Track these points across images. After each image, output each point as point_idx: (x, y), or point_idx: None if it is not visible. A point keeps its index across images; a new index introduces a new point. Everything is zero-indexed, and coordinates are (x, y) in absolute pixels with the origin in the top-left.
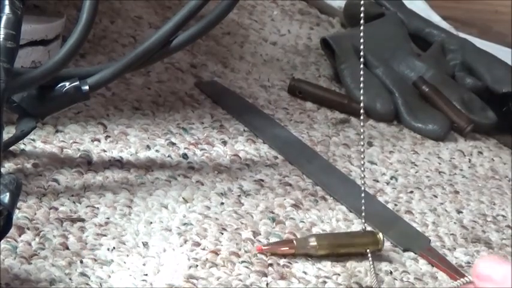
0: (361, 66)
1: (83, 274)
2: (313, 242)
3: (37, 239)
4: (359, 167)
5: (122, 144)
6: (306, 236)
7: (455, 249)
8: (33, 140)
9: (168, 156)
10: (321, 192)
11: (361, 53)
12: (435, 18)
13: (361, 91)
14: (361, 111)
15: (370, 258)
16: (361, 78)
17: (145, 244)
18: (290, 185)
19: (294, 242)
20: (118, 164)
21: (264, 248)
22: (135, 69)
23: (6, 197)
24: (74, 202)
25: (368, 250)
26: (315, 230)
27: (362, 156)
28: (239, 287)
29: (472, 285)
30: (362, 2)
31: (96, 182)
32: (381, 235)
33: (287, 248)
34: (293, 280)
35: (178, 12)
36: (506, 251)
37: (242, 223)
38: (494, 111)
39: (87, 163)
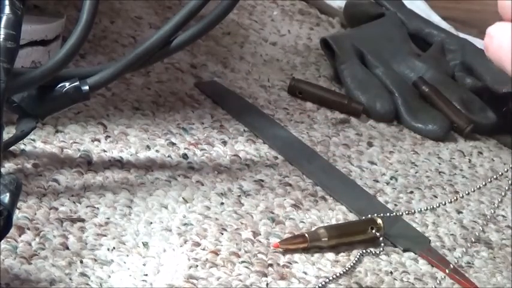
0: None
1: (83, 274)
2: (323, 233)
3: (37, 239)
4: (359, 167)
5: (122, 144)
6: (314, 229)
7: (455, 249)
8: (33, 140)
9: (168, 156)
10: (321, 192)
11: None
12: (435, 18)
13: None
14: None
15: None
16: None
17: (145, 244)
18: (290, 185)
19: (306, 235)
20: (118, 164)
21: (280, 244)
22: (135, 70)
23: (6, 197)
24: (74, 202)
25: (372, 229)
26: None
27: None
28: (239, 287)
29: None
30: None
31: (96, 182)
32: (380, 220)
33: (301, 241)
34: (293, 280)
35: (178, 12)
36: (506, 251)
37: (242, 223)
38: (494, 111)
39: (87, 163)
